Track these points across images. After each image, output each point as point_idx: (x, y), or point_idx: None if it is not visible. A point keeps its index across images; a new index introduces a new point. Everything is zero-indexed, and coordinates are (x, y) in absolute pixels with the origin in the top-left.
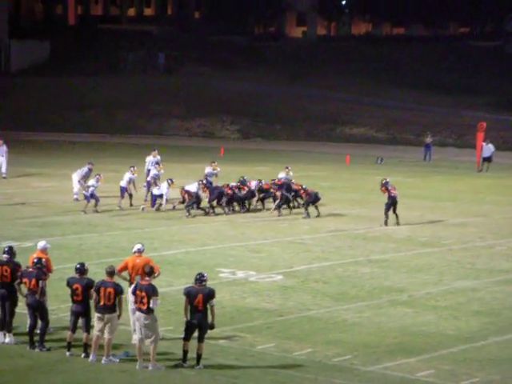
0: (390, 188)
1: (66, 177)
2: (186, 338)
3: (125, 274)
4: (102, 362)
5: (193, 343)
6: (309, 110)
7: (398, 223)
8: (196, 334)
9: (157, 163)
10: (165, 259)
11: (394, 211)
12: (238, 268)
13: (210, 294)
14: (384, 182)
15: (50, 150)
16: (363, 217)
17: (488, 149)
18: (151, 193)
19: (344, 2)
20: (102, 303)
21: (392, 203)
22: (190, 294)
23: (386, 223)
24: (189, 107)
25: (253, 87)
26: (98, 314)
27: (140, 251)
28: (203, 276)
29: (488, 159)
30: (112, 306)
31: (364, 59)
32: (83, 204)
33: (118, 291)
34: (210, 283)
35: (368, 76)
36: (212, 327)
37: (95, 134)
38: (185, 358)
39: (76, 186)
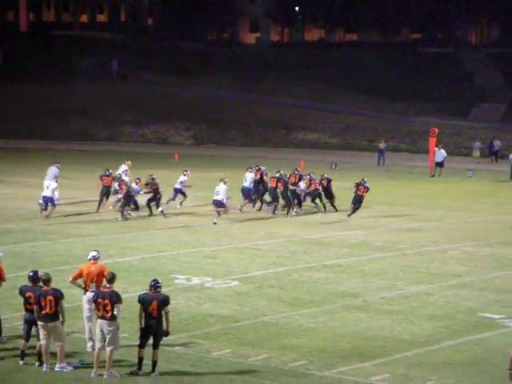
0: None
1: (20, 184)
2: (141, 345)
3: (80, 281)
4: (56, 369)
5: (148, 350)
6: (263, 116)
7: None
8: (151, 340)
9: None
10: (120, 266)
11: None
12: (193, 274)
13: (164, 301)
14: (362, 181)
15: (3, 157)
16: (317, 222)
17: (440, 154)
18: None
19: (297, 9)
20: (43, 312)
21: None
22: (144, 301)
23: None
24: (142, 113)
25: (207, 93)
26: (41, 323)
27: (95, 258)
28: (158, 283)
29: (440, 164)
30: (54, 314)
31: (317, 65)
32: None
33: (59, 297)
34: (165, 290)
35: (322, 82)
36: (167, 334)
37: (49, 141)
38: (140, 366)
39: (47, 191)
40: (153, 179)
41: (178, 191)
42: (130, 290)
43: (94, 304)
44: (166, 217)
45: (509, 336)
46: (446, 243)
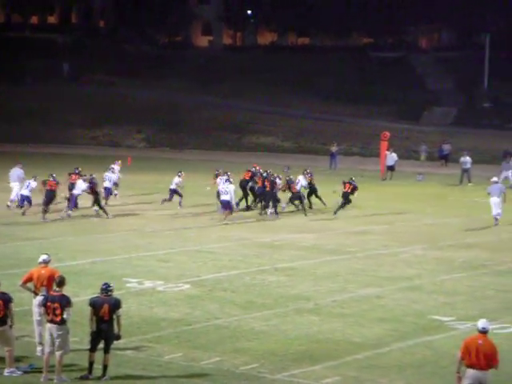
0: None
1: None
2: (92, 349)
3: (30, 285)
4: (5, 373)
5: (99, 354)
6: (216, 119)
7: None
8: (102, 344)
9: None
10: (70, 270)
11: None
12: (145, 278)
13: (116, 304)
14: (350, 180)
15: None
16: (270, 225)
17: (391, 158)
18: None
19: (250, 12)
20: None
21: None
22: (95, 305)
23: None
24: (94, 116)
25: (160, 96)
26: None
27: (45, 262)
28: (109, 286)
29: (391, 168)
30: (3, 318)
31: (270, 69)
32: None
33: (7, 300)
34: (116, 293)
35: (274, 85)
36: (118, 338)
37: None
38: (90, 370)
39: (15, 193)
40: (92, 179)
41: (173, 192)
42: (81, 294)
43: (43, 308)
44: (98, 217)
45: (457, 338)
46: (396, 246)
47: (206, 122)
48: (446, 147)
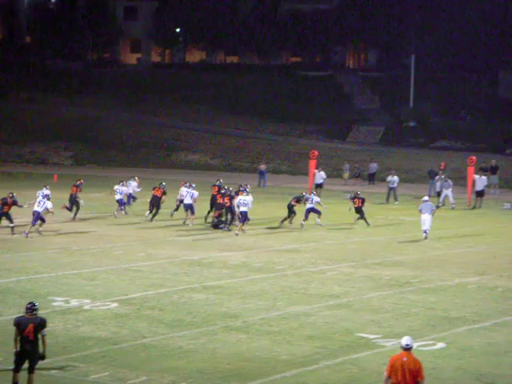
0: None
1: None
2: (16, 369)
3: None
4: None
5: (23, 374)
6: (145, 137)
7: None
8: (26, 364)
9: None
10: None
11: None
12: (71, 296)
13: (41, 324)
14: (356, 193)
15: None
16: (198, 243)
17: (320, 176)
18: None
19: (178, 30)
20: None
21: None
22: (20, 324)
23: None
24: (20, 133)
25: (88, 113)
26: None
27: None
28: (34, 305)
29: (320, 186)
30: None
31: (199, 87)
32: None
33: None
34: (42, 312)
35: (203, 103)
36: (43, 357)
37: None
38: None
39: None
40: (12, 197)
41: (130, 197)
42: (5, 313)
43: None
44: (14, 234)
45: (384, 356)
46: (324, 264)
47: (134, 139)
48: (373, 166)
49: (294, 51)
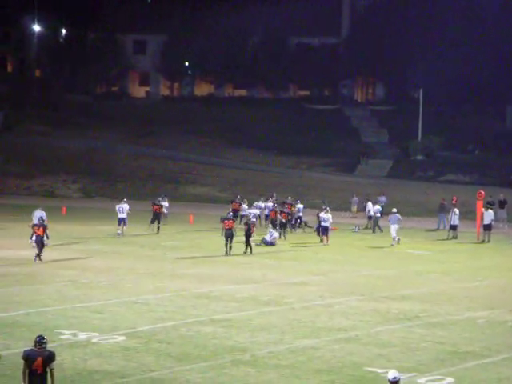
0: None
1: None
2: None
3: None
4: None
5: None
6: (152, 169)
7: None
8: None
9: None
10: (3, 322)
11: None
12: (79, 329)
13: (49, 357)
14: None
15: None
16: (206, 276)
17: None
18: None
19: (187, 64)
20: None
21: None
22: (28, 358)
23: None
24: (29, 165)
25: (96, 146)
26: None
27: None
28: (43, 338)
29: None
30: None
31: (207, 120)
32: None
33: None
34: (50, 345)
35: (211, 136)
36: None
37: None
38: None
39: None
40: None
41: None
42: (13, 346)
43: None
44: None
45: None
46: (332, 297)
47: (142, 172)
48: (382, 199)
49: (302, 85)
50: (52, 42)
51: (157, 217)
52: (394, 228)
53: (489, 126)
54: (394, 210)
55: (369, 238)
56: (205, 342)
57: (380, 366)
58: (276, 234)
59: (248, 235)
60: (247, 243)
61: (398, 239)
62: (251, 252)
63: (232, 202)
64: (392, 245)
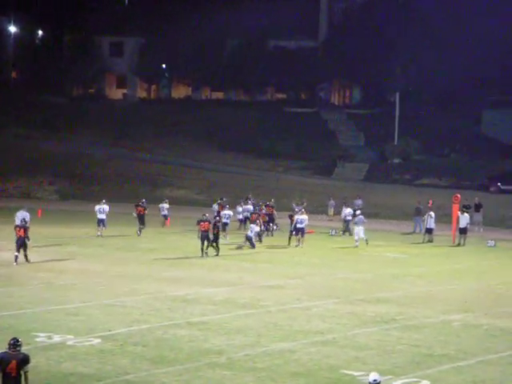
0: None
1: None
2: None
3: None
4: None
5: None
6: (129, 172)
7: None
8: None
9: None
10: None
11: None
12: (54, 332)
13: (24, 360)
14: None
15: None
16: (183, 278)
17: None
18: None
19: (164, 66)
20: None
21: None
22: (2, 360)
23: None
24: (4, 167)
25: (73, 148)
26: None
27: None
28: (17, 341)
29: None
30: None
31: (184, 122)
32: None
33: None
34: (25, 348)
35: (188, 139)
36: None
37: None
38: None
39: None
40: None
41: (101, 221)
42: None
43: None
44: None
45: None
46: (308, 300)
47: (118, 175)
48: (358, 202)
49: (279, 88)
50: (28, 44)
51: (140, 218)
52: (359, 229)
53: (465, 130)
54: (358, 212)
55: (346, 241)
56: (181, 344)
57: (356, 369)
58: (257, 228)
59: (216, 237)
60: (216, 244)
61: (366, 240)
62: (217, 254)
63: (218, 203)
64: (356, 246)
